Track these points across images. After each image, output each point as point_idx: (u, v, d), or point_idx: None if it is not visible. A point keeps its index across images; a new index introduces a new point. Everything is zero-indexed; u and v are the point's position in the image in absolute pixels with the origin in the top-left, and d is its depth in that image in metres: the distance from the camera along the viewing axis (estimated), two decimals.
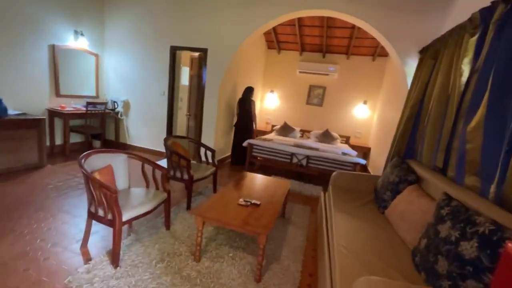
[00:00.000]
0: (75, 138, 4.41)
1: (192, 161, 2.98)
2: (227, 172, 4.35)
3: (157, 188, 2.27)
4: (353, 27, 4.82)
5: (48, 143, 3.95)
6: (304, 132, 6.00)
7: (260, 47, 5.84)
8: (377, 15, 3.24)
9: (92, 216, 1.85)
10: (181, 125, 5.39)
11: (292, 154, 4.22)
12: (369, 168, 5.14)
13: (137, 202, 1.95)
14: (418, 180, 2.15)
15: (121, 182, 2.19)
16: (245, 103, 4.69)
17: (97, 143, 4.70)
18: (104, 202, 1.73)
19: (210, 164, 3.18)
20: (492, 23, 1.62)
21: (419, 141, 2.58)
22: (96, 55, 4.56)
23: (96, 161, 2.02)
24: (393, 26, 3.21)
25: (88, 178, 1.76)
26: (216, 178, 3.23)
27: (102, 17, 4.54)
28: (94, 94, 4.67)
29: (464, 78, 1.90)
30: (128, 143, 4.88)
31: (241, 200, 2.11)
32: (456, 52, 2.09)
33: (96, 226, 2.13)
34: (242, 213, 1.91)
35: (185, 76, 4.98)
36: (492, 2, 1.66)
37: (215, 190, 3.25)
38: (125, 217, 1.76)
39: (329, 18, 4.72)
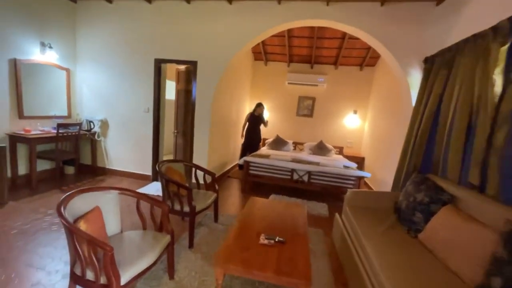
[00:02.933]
0: (43, 166, 3.80)
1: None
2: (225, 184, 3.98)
3: (157, 230, 1.86)
4: (342, 37, 4.79)
5: (9, 175, 3.32)
6: (296, 145, 5.81)
7: (246, 59, 5.62)
8: (378, 25, 3.16)
9: (76, 280, 1.41)
10: (167, 143, 4.94)
11: (293, 170, 3.97)
12: (367, 180, 5.03)
13: (137, 253, 1.54)
14: (452, 200, 1.97)
15: (112, 226, 1.76)
16: (258, 121, 5.15)
17: (70, 169, 4.10)
18: (94, 262, 1.32)
19: (209, 190, 2.81)
20: None
21: (438, 155, 2.45)
22: (67, 70, 4.03)
23: (80, 204, 1.59)
24: (395, 36, 3.14)
25: (72, 232, 1.34)
26: (218, 206, 2.86)
27: (73, 28, 4.05)
28: (65, 113, 4.10)
29: (497, 88, 1.78)
30: (108, 167, 4.32)
31: (262, 237, 1.78)
32: (480, 62, 1.98)
33: None
34: (269, 256, 1.58)
35: (169, 91, 4.59)
36: None
37: (216, 219, 2.87)
38: (124, 279, 1.36)
39: (319, 29, 4.65)
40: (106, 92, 4.13)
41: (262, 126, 5.34)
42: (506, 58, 1.74)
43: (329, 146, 5.36)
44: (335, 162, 4.14)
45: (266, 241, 1.74)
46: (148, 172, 4.15)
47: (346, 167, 3.99)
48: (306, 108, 6.10)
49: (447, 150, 2.25)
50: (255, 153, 4.45)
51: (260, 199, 2.59)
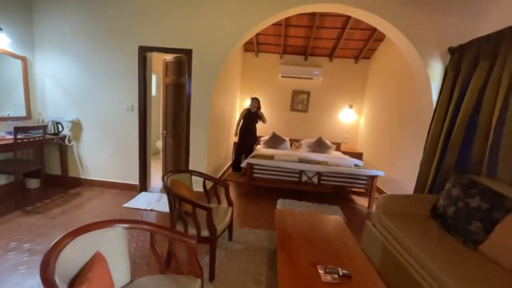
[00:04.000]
0: None
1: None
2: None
3: (179, 271, 1.39)
4: (343, 27, 4.51)
5: None
6: (293, 142, 5.49)
7: (235, 49, 5.10)
8: (396, 12, 2.88)
9: None
10: (152, 145, 4.31)
11: (301, 172, 3.63)
12: None
13: None
14: None
15: (119, 275, 1.25)
16: (255, 118, 4.77)
17: (33, 183, 3.33)
18: None
19: (221, 204, 2.35)
20: None
21: (479, 154, 2.25)
22: (23, 59, 3.23)
23: (74, 255, 1.07)
24: (414, 23, 2.89)
25: None
26: (232, 222, 2.41)
27: (29, 6, 3.23)
28: (23, 113, 3.30)
29: None
30: (83, 177, 3.61)
31: (321, 270, 1.40)
32: None
33: None
34: None
35: (153, 85, 3.96)
36: None
37: (230, 237, 2.43)
38: None
39: (320, 17, 4.31)
40: (77, 87, 3.40)
41: (258, 124, 4.92)
42: None
43: (328, 142, 5.12)
44: (344, 161, 3.88)
45: (329, 277, 1.36)
46: (135, 181, 3.53)
47: (356, 165, 3.76)
48: (301, 102, 5.79)
49: (495, 149, 2.05)
50: (257, 153, 4.03)
51: (287, 212, 2.21)
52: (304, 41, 5.10)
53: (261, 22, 3.04)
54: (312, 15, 4.25)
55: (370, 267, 1.49)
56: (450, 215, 2.06)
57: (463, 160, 2.42)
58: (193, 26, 3.12)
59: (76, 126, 3.48)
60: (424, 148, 2.87)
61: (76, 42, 3.29)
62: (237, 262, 2.11)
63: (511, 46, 2.02)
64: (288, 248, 1.62)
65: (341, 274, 1.39)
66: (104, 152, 3.52)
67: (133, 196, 3.33)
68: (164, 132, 3.79)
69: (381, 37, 4.75)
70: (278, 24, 4.55)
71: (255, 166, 3.67)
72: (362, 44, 4.98)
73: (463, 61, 2.49)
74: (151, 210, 2.99)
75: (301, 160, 3.77)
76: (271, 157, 3.81)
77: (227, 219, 2.11)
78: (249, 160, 3.64)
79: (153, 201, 3.21)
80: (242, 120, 4.76)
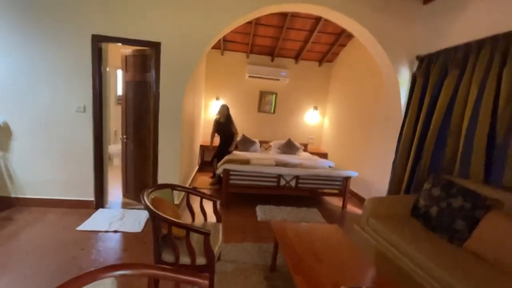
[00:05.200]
0: None
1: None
2: None
3: None
4: (311, 30, 4.56)
5: None
6: (262, 143, 5.37)
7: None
8: (373, 18, 2.98)
9: None
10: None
11: (279, 176, 3.52)
12: None
13: None
14: (496, 204, 1.93)
15: None
16: (228, 126, 4.37)
17: None
18: None
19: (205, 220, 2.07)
20: None
21: (450, 156, 2.44)
22: None
23: None
24: (387, 31, 3.03)
25: None
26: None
27: None
28: None
29: None
30: (14, 195, 2.84)
31: None
32: (509, 62, 1.97)
33: None
34: None
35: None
36: None
37: (219, 257, 2.16)
38: None
39: (290, 19, 4.26)
40: (3, 82, 2.65)
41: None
42: None
43: (297, 144, 5.16)
44: (318, 163, 3.91)
45: None
46: (88, 196, 2.94)
47: (331, 167, 3.82)
48: (268, 103, 5.72)
49: (467, 151, 2.24)
50: (230, 158, 3.78)
51: (286, 226, 2.04)
52: (272, 42, 5.02)
53: (241, 17, 2.82)
54: (284, 15, 4.17)
55: (385, 279, 1.44)
56: (434, 214, 2.18)
57: (436, 160, 2.61)
58: (162, 16, 2.72)
59: (3, 131, 2.72)
60: (397, 149, 3.04)
61: (1, 34, 2.56)
62: (233, 287, 1.86)
63: (478, 56, 2.23)
64: (303, 272, 1.45)
65: None
66: (44, 163, 2.83)
67: (88, 215, 2.75)
68: (124, 136, 3.26)
69: (344, 42, 4.97)
70: (248, 22, 4.36)
71: (231, 172, 3.42)
72: (326, 47, 5.13)
73: (433, 69, 2.68)
74: (115, 231, 2.50)
75: (278, 164, 3.67)
76: (246, 162, 3.61)
77: (220, 239, 1.85)
78: (226, 166, 3.38)
79: (115, 220, 2.71)
80: (215, 133, 4.43)
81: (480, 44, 2.23)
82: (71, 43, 2.66)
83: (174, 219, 1.51)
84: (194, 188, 2.05)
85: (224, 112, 4.34)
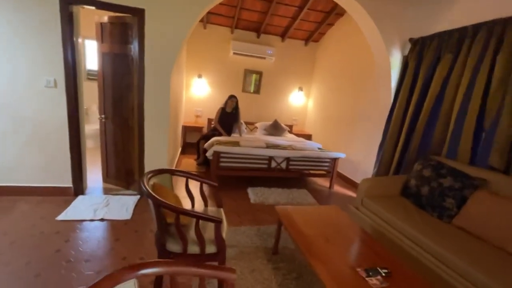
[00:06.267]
0: None
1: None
2: None
3: None
4: (301, 7, 4.37)
5: None
6: (247, 125, 5.25)
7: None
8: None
9: None
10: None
11: (270, 158, 3.48)
12: None
13: None
14: (484, 183, 2.07)
15: None
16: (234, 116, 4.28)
17: None
18: None
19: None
20: None
21: (440, 137, 2.55)
22: None
23: None
24: (383, 12, 2.98)
25: None
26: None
27: None
28: None
29: None
30: None
31: (362, 273, 1.30)
32: (504, 48, 2.04)
33: None
34: None
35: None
36: None
37: None
38: None
39: None
40: None
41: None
42: None
43: (283, 125, 5.13)
44: (307, 145, 3.93)
45: (375, 280, 1.27)
46: (65, 182, 2.66)
47: (320, 149, 3.86)
48: (253, 83, 5.53)
49: (457, 133, 2.35)
50: (220, 139, 3.63)
51: (290, 211, 2.02)
52: (259, 16, 4.75)
53: None
54: None
55: (396, 258, 1.49)
56: (425, 193, 2.30)
57: (425, 142, 2.72)
58: None
59: None
60: (386, 131, 3.12)
61: None
62: (239, 271, 1.83)
63: (474, 41, 2.28)
64: (318, 256, 1.44)
65: (383, 274, 1.32)
66: (9, 147, 2.47)
67: (67, 204, 2.50)
68: (103, 116, 2.94)
69: (333, 21, 4.87)
70: None
71: (222, 155, 3.30)
72: (314, 26, 5.00)
73: (426, 52, 2.71)
74: (101, 220, 2.31)
75: (269, 146, 3.61)
76: (236, 143, 3.50)
77: (225, 225, 1.77)
78: (216, 147, 3.24)
79: (99, 207, 2.50)
80: (218, 124, 4.23)
81: (476, 28, 2.27)
82: (33, 7, 2.23)
83: (183, 208, 1.39)
84: (193, 174, 1.91)
85: (233, 104, 4.27)
